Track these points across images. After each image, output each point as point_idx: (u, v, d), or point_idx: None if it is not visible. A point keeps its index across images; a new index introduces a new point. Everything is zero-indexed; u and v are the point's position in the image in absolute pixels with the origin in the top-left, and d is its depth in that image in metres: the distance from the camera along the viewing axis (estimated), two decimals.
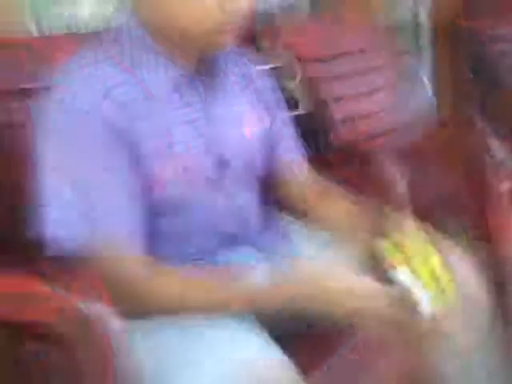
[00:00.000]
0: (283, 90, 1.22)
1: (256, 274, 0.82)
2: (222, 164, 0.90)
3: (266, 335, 0.80)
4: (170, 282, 0.81)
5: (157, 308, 0.79)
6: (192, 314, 0.79)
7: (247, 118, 0.96)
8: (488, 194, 1.22)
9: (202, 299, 0.80)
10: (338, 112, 1.57)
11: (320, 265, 0.81)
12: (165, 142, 0.84)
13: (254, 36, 1.78)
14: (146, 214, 0.83)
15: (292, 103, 2.23)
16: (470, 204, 1.25)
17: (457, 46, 2.61)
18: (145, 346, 0.77)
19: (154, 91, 0.84)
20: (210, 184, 0.89)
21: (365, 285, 0.79)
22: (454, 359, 0.96)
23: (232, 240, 0.93)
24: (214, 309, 0.79)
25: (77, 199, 0.78)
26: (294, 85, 1.50)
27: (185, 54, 0.86)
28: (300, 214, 1.06)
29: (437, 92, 2.62)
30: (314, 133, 2.19)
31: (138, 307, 0.77)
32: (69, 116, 0.79)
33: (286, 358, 0.76)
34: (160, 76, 0.84)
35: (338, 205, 1.01)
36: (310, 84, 1.54)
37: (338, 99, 1.62)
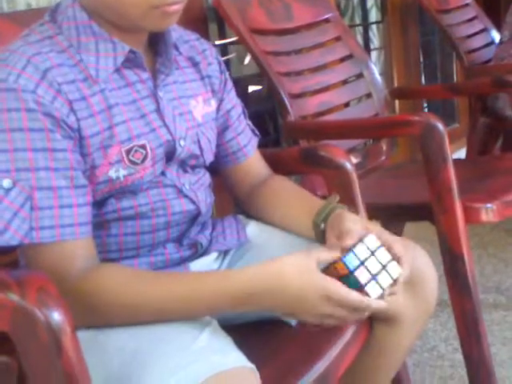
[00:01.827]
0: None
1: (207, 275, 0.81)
2: (169, 147, 0.86)
3: (227, 337, 0.77)
4: (120, 279, 0.76)
5: (106, 308, 0.75)
6: (143, 316, 0.76)
7: (195, 100, 0.93)
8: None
9: (153, 299, 0.76)
10: (291, 87, 1.56)
11: (274, 265, 0.76)
12: (105, 123, 0.81)
13: (204, 17, 1.76)
14: (90, 202, 0.79)
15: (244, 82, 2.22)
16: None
17: (407, 19, 2.64)
18: (98, 351, 0.74)
19: (93, 72, 0.81)
20: (156, 168, 0.85)
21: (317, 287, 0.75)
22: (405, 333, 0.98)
23: (182, 230, 0.91)
24: (166, 310, 0.76)
25: (15, 189, 0.73)
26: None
27: (127, 35, 0.83)
28: (246, 203, 1.04)
29: (389, 64, 2.64)
30: (268, 111, 2.20)
31: (87, 307, 0.74)
32: (3, 96, 0.74)
33: (251, 365, 0.73)
34: (100, 57, 0.81)
35: (285, 193, 1.00)
36: (262, 59, 1.52)
37: (290, 74, 1.61)
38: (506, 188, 1.38)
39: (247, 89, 2.34)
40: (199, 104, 0.93)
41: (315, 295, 0.74)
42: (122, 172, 0.82)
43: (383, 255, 0.79)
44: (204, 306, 0.77)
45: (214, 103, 0.97)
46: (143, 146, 0.83)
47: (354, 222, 0.84)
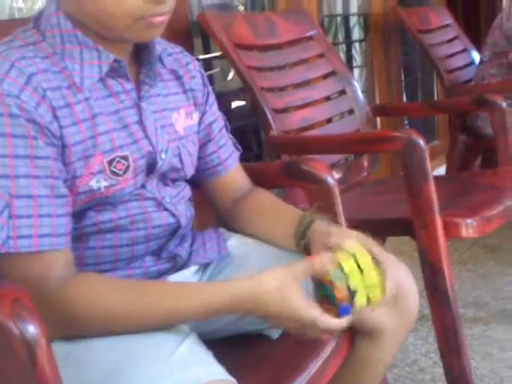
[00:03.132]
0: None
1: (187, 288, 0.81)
2: (150, 159, 0.86)
3: (207, 350, 0.77)
4: (98, 288, 0.76)
5: (84, 317, 0.74)
6: (121, 325, 0.75)
7: (177, 113, 0.93)
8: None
9: (131, 310, 0.75)
10: (274, 103, 1.58)
11: (254, 281, 0.77)
12: (88, 132, 0.80)
13: (189, 32, 1.77)
14: (69, 212, 0.78)
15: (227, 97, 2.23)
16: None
17: (389, 38, 2.68)
18: (76, 365, 0.73)
19: (78, 80, 0.80)
20: (138, 180, 0.85)
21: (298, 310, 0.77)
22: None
23: (161, 243, 0.90)
24: (143, 320, 0.75)
25: None
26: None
27: (111, 45, 0.83)
28: (227, 217, 1.04)
29: (371, 81, 2.68)
30: (250, 127, 2.21)
31: (64, 317, 0.73)
32: None
33: (230, 377, 0.73)
34: (85, 66, 0.81)
35: (266, 208, 1.00)
36: (246, 74, 1.53)
37: (273, 90, 1.62)
38: (485, 204, 1.40)
39: (230, 104, 2.36)
40: (181, 117, 0.93)
41: (290, 313, 0.77)
42: (104, 183, 0.81)
43: (369, 273, 0.80)
44: (183, 318, 0.77)
45: (196, 116, 0.97)
46: (125, 157, 0.83)
47: (340, 236, 0.84)
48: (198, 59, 1.04)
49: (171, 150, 0.89)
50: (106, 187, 0.81)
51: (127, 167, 0.83)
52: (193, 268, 0.95)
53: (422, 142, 1.23)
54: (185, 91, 0.96)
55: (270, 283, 0.76)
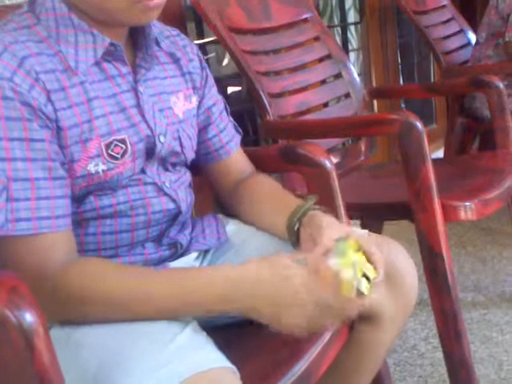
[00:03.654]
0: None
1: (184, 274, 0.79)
2: (149, 143, 0.85)
3: (207, 337, 0.75)
4: (101, 272, 0.75)
5: (86, 301, 0.73)
6: (122, 311, 0.73)
7: (176, 97, 0.91)
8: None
9: (129, 297, 0.74)
10: (270, 87, 1.56)
11: (251, 266, 0.75)
12: (84, 116, 0.79)
13: (183, 16, 1.74)
14: (68, 194, 0.78)
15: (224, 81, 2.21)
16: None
17: (385, 20, 2.65)
18: (74, 351, 0.72)
19: (73, 64, 0.79)
20: (136, 164, 0.84)
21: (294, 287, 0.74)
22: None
23: (161, 230, 0.89)
24: (143, 307, 0.74)
25: None
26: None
27: (107, 28, 0.82)
28: (227, 201, 1.03)
29: (367, 64, 2.66)
30: (247, 112, 2.19)
31: (65, 301, 0.72)
32: None
33: (231, 365, 0.71)
34: (79, 49, 0.80)
35: (265, 195, 0.99)
36: (241, 58, 1.51)
37: (269, 74, 1.60)
38: (484, 187, 1.39)
39: (226, 89, 2.33)
40: (180, 100, 0.92)
41: (294, 282, 0.74)
42: (102, 167, 0.80)
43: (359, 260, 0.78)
44: (184, 306, 0.75)
45: (194, 100, 0.96)
46: (123, 141, 0.82)
47: (330, 226, 0.83)
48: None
49: (170, 133, 0.88)
50: (104, 171, 0.80)
51: (125, 151, 0.82)
52: (193, 254, 0.95)
53: (419, 124, 1.21)
54: (183, 74, 0.95)
55: (274, 263, 0.75)
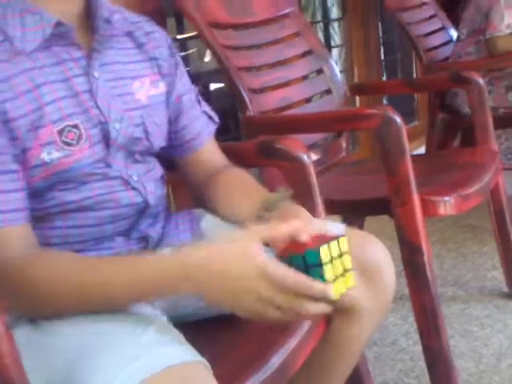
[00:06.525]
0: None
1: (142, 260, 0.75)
2: (103, 130, 0.82)
3: (177, 333, 0.73)
4: (58, 267, 0.73)
5: (42, 295, 0.71)
6: (78, 302, 0.72)
7: (140, 82, 0.90)
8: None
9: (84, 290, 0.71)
10: (251, 82, 1.55)
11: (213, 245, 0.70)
12: (33, 104, 0.77)
13: (162, 11, 1.73)
14: (23, 187, 0.76)
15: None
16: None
17: (368, 17, 2.66)
18: (40, 351, 0.70)
19: (19, 45, 0.77)
20: (95, 151, 0.82)
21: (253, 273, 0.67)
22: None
23: (130, 223, 0.87)
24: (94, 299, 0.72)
25: None
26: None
27: (54, 6, 0.80)
28: (201, 194, 1.00)
29: (350, 61, 2.66)
30: (229, 109, 2.18)
31: (25, 295, 0.71)
32: None
33: (202, 359, 0.69)
34: (27, 32, 0.78)
35: (237, 188, 0.96)
36: (222, 54, 1.50)
37: (250, 69, 1.59)
38: (463, 182, 1.40)
39: (209, 86, 2.32)
40: (145, 85, 0.91)
41: (256, 272, 0.66)
42: (56, 154, 0.78)
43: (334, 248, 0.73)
44: (137, 291, 0.72)
45: (162, 86, 0.94)
46: (76, 126, 0.80)
47: (298, 213, 0.82)
48: (173, 39, 1.01)
49: (127, 119, 0.86)
50: (59, 158, 0.79)
51: (79, 136, 0.80)
52: (165, 250, 0.93)
53: (398, 118, 1.21)
54: (148, 59, 0.93)
55: (227, 245, 0.69)
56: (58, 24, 0.80)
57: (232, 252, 0.68)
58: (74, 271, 0.73)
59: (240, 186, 0.97)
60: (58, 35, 0.80)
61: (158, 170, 0.95)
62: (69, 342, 0.70)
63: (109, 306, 0.72)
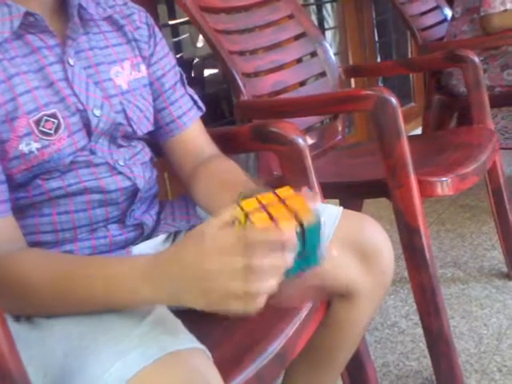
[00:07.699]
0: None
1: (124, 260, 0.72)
2: (83, 117, 0.81)
3: (176, 320, 0.71)
4: (41, 262, 0.71)
5: (24, 293, 0.69)
6: (54, 302, 0.69)
7: (120, 66, 0.88)
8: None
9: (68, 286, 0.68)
10: (244, 66, 1.53)
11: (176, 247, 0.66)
12: (6, 95, 0.75)
13: None
14: (2, 180, 0.74)
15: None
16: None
17: None
18: (39, 343, 0.69)
19: None
20: (76, 139, 0.80)
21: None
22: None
23: (123, 209, 0.86)
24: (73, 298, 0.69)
25: None
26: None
27: (28, 0, 0.78)
28: (187, 184, 0.96)
29: (344, 43, 2.63)
30: (223, 94, 2.16)
31: (11, 292, 0.69)
32: None
33: (202, 346, 0.68)
34: None
35: (218, 177, 0.91)
36: (214, 38, 1.48)
37: (243, 53, 1.58)
38: (460, 162, 1.39)
39: (202, 71, 2.30)
40: (125, 70, 0.89)
41: (221, 247, 0.60)
42: (35, 145, 0.77)
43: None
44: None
45: (144, 68, 0.92)
46: (54, 115, 0.79)
47: None
48: (165, 25, 0.98)
49: (107, 106, 0.85)
50: (38, 149, 0.77)
51: (58, 125, 0.79)
52: (161, 237, 0.92)
53: (393, 99, 1.20)
54: (128, 41, 0.91)
55: (182, 241, 0.65)
56: (27, 14, 0.78)
57: (185, 243, 0.64)
58: (50, 268, 0.70)
59: (221, 181, 0.91)
60: (29, 25, 0.79)
61: (146, 154, 0.93)
62: (66, 331, 0.69)
63: (88, 303, 0.69)
